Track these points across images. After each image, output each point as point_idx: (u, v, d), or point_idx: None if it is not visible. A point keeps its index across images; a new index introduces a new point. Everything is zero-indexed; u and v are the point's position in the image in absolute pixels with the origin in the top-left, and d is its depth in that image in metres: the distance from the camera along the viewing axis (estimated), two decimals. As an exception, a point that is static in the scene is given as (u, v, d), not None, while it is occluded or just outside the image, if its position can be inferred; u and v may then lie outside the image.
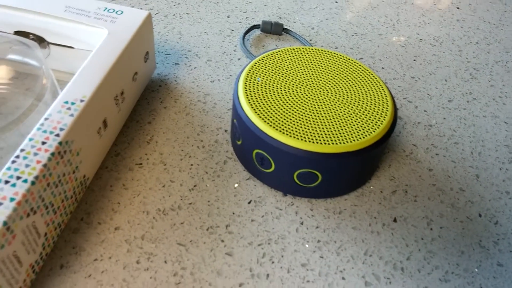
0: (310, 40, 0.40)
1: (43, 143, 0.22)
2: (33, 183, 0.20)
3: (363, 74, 0.30)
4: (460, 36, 0.43)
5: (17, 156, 0.21)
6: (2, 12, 0.30)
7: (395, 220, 0.27)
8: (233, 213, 0.26)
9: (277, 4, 0.43)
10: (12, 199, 0.19)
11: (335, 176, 0.26)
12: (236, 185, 0.28)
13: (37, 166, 0.21)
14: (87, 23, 0.29)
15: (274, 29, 0.39)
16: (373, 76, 0.29)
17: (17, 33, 0.31)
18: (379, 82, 0.29)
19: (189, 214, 0.26)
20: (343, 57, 0.31)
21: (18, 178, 0.20)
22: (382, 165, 0.30)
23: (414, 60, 0.39)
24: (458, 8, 0.47)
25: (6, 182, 0.20)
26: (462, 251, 0.26)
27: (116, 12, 0.30)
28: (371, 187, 0.29)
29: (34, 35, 0.31)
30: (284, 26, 0.40)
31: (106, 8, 0.30)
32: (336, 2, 0.45)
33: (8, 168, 0.20)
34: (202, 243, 0.25)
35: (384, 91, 0.28)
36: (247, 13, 0.42)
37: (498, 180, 0.30)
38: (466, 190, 0.29)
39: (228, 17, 0.41)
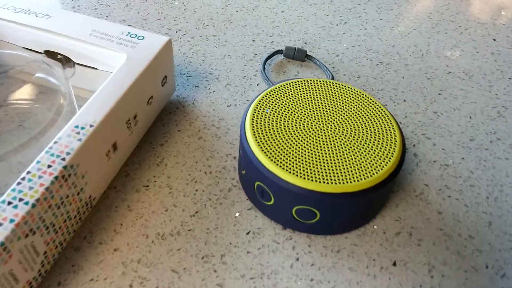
0: (333, 68, 0.39)
1: (49, 166, 0.23)
2: (33, 205, 0.21)
3: (374, 111, 0.29)
4: (493, 70, 0.41)
5: (23, 178, 0.22)
6: (34, 32, 0.32)
7: (394, 264, 0.27)
8: (230, 243, 0.27)
9: (304, 29, 0.43)
10: (11, 221, 0.21)
11: (333, 215, 0.26)
12: (237, 214, 0.28)
13: (40, 189, 0.22)
14: (108, 47, 0.30)
15: (297, 55, 0.39)
16: (385, 114, 0.29)
17: (46, 52, 0.33)
18: (390, 121, 0.29)
19: (186, 241, 0.27)
20: (354, 90, 0.30)
21: (21, 200, 0.22)
22: (389, 204, 0.30)
23: (439, 94, 0.38)
24: (494, 40, 0.45)
25: (9, 203, 0.21)
26: (462, 303, 0.25)
27: (138, 37, 0.31)
28: (375, 226, 0.28)
29: (61, 55, 0.32)
30: (308, 53, 0.40)
31: (129, 33, 0.31)
32: (365, 29, 0.44)
33: (13, 190, 0.22)
34: (195, 271, 0.25)
35: (394, 130, 0.28)
36: (273, 37, 0.42)
37: (512, 230, 0.29)
38: (475, 237, 0.28)
39: (253, 40, 0.42)
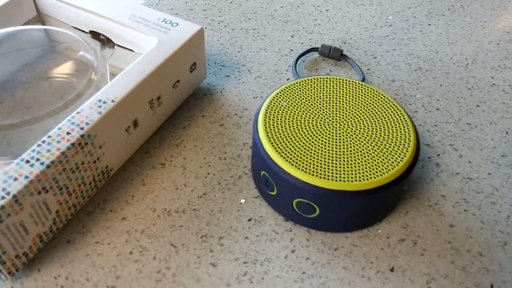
0: (368, 69, 0.39)
1: (68, 133, 0.25)
2: (48, 166, 0.24)
3: (393, 114, 0.29)
4: (543, 86, 0.39)
5: (43, 141, 0.25)
6: (81, 14, 0.34)
7: (392, 270, 0.26)
8: (231, 227, 0.28)
9: (346, 28, 0.43)
10: (26, 177, 0.23)
11: (332, 212, 0.26)
12: (243, 200, 0.29)
13: (56, 152, 0.24)
14: (143, 31, 0.32)
15: (332, 54, 0.39)
16: (403, 119, 0.28)
17: (91, 32, 0.35)
18: (407, 126, 0.28)
19: (190, 219, 0.28)
20: (372, 90, 0.30)
21: (37, 160, 0.24)
22: (398, 210, 0.29)
23: (477, 106, 0.36)
24: (552, 54, 0.42)
25: (27, 161, 0.24)
26: (455, 319, 0.24)
27: (172, 24, 0.33)
28: (379, 230, 0.28)
29: (104, 35, 0.35)
30: (344, 53, 0.40)
31: (165, 20, 0.33)
32: (410, 33, 0.43)
33: (33, 150, 0.24)
34: (192, 248, 0.27)
35: (410, 136, 0.27)
36: (312, 35, 0.42)
37: (528, 253, 0.27)
38: (485, 255, 0.27)
39: (292, 36, 0.42)
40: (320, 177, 0.25)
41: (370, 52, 0.41)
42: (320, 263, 0.26)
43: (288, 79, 0.37)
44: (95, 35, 0.35)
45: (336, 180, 0.25)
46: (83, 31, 0.36)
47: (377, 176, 0.25)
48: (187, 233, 0.27)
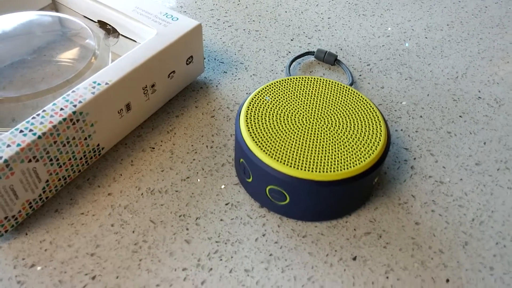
0: (360, 75, 0.41)
1: (61, 109, 0.27)
2: (39, 137, 0.26)
3: (367, 111, 0.30)
4: (529, 102, 0.40)
5: (38, 114, 0.27)
6: (91, 4, 0.37)
7: (354, 259, 0.28)
8: (208, 209, 0.30)
9: (344, 36, 0.45)
10: (18, 145, 0.25)
11: (302, 200, 0.28)
12: (223, 186, 0.31)
13: (48, 125, 0.26)
14: (144, 23, 0.34)
15: (327, 58, 0.41)
16: (376, 116, 0.30)
17: (99, 21, 0.38)
18: (379, 123, 0.30)
19: (171, 199, 0.30)
20: (350, 90, 0.32)
21: (30, 130, 0.26)
22: (368, 205, 0.31)
23: (460, 116, 0.38)
24: (543, 73, 0.43)
25: (21, 131, 0.26)
26: (408, 309, 0.26)
27: (173, 18, 0.35)
28: (347, 222, 0.30)
29: (110, 25, 0.37)
30: (339, 58, 0.42)
31: (166, 14, 0.35)
32: (406, 45, 0.45)
33: (27, 121, 0.26)
34: (170, 226, 0.29)
35: (381, 133, 0.29)
36: (311, 40, 0.44)
37: (488, 254, 0.28)
38: (445, 252, 0.28)
39: (291, 40, 0.44)
40: (291, 166, 0.27)
41: (364, 59, 0.42)
42: (288, 247, 0.28)
43: (280, 79, 0.39)
44: (102, 24, 0.38)
45: (306, 170, 0.27)
46: (92, 20, 0.38)
47: (346, 168, 0.27)
48: (166, 211, 0.29)
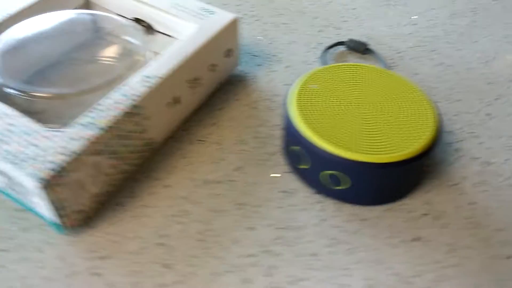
0: (393, 63, 0.41)
1: (119, 103, 0.27)
2: (104, 130, 0.26)
3: (416, 96, 0.31)
4: (561, 82, 0.40)
5: (95, 108, 0.27)
6: (126, 1, 0.37)
7: (415, 240, 0.28)
8: (264, 197, 0.30)
9: (371, 26, 0.45)
10: (85, 138, 0.25)
11: (362, 183, 0.28)
12: (276, 175, 0.31)
13: (110, 119, 0.27)
14: (184, 18, 0.35)
15: (358, 47, 0.41)
16: (425, 99, 0.30)
17: (134, 19, 0.38)
18: (428, 105, 0.30)
19: (227, 189, 0.30)
20: (400, 78, 0.32)
21: (93, 124, 0.26)
22: (421, 188, 0.31)
23: (497, 99, 0.38)
24: None
25: (84, 125, 0.26)
26: (476, 284, 0.26)
27: (209, 12, 0.35)
28: (402, 205, 0.30)
29: (145, 22, 0.37)
30: (368, 47, 0.42)
31: (203, 8, 0.36)
32: (434, 32, 0.45)
33: (87, 116, 0.27)
34: (231, 215, 0.29)
35: (431, 115, 0.29)
36: (340, 30, 0.45)
37: (544, 229, 0.29)
38: (504, 230, 0.29)
39: (320, 31, 0.44)
40: (351, 150, 0.27)
41: (395, 47, 0.43)
42: (349, 231, 0.28)
43: (316, 69, 0.40)
44: (137, 21, 0.38)
45: (366, 153, 0.27)
46: (127, 18, 0.38)
47: (403, 150, 0.27)
48: (224, 201, 0.29)
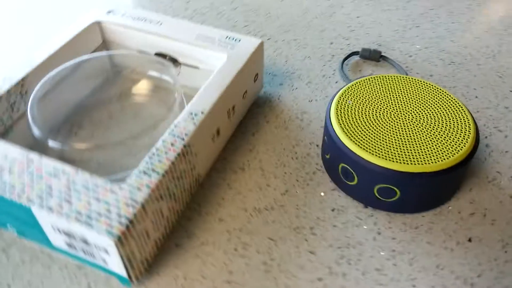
0: (406, 67, 0.42)
1: (172, 144, 0.28)
2: (163, 175, 0.26)
3: (448, 101, 0.32)
4: None
5: (153, 154, 0.27)
6: (146, 37, 0.37)
7: (469, 240, 0.29)
8: (318, 218, 0.30)
9: (378, 32, 0.47)
10: (148, 186, 0.26)
11: (413, 193, 0.29)
12: (322, 193, 0.32)
13: (167, 162, 0.27)
14: (212, 49, 0.35)
15: (372, 56, 0.42)
16: (458, 104, 0.32)
17: (157, 54, 0.38)
18: (463, 110, 0.31)
19: (279, 214, 0.31)
20: (431, 85, 0.33)
21: (153, 170, 0.26)
22: (463, 188, 0.32)
23: (511, 91, 0.40)
24: None
25: (144, 172, 0.26)
26: (535, 277, 0.27)
27: (235, 40, 0.36)
28: (450, 207, 0.31)
29: (170, 56, 0.38)
30: (382, 54, 0.43)
31: (228, 37, 0.36)
32: (438, 32, 0.47)
33: (146, 162, 0.27)
34: (289, 240, 0.29)
35: (468, 118, 0.31)
36: (349, 40, 0.46)
37: None
38: (548, 220, 0.30)
39: (331, 43, 0.45)
40: (400, 162, 0.28)
41: (405, 51, 0.44)
42: (406, 241, 0.29)
43: (336, 82, 0.41)
44: (161, 56, 0.38)
45: (415, 164, 0.28)
46: (149, 54, 0.38)
47: (451, 156, 0.28)
48: (280, 227, 0.30)
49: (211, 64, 0.36)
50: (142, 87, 0.37)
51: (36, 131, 0.30)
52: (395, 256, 0.28)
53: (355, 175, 0.30)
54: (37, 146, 0.30)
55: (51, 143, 0.29)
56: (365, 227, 0.30)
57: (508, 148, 0.35)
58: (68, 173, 0.26)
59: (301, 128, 0.37)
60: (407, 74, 0.40)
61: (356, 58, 0.43)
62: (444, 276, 0.27)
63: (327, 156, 0.32)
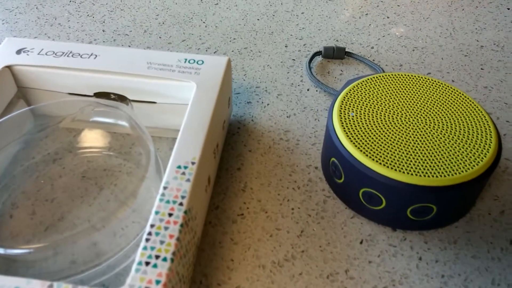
0: (373, 60, 0.39)
1: (170, 214, 0.21)
2: (172, 260, 0.20)
3: (459, 99, 0.29)
4: (520, 36, 0.42)
5: (149, 233, 0.21)
6: (80, 75, 0.30)
7: (511, 242, 0.27)
8: (348, 256, 0.26)
9: (330, 27, 0.43)
10: (158, 282, 0.19)
11: (449, 207, 0.26)
12: (342, 225, 0.27)
13: (171, 241, 0.20)
14: (172, 78, 0.29)
15: (336, 54, 0.38)
16: (469, 100, 0.29)
17: (97, 94, 0.31)
18: (476, 107, 0.28)
19: (304, 263, 0.26)
20: (432, 80, 0.30)
21: (157, 257, 0.20)
22: (482, 186, 0.29)
23: (481, 69, 0.38)
24: (508, 9, 0.46)
25: (147, 263, 0.20)
26: None
27: (197, 62, 0.30)
28: (478, 210, 0.28)
29: (115, 94, 0.30)
30: (346, 50, 0.40)
31: (186, 59, 0.30)
32: (388, 17, 0.44)
33: (145, 248, 0.20)
34: (326, 292, 0.24)
35: (484, 116, 0.28)
36: (304, 40, 0.41)
37: None
38: None
39: (286, 46, 0.41)
40: (434, 176, 0.24)
41: (365, 43, 0.41)
42: (451, 260, 0.26)
43: (308, 89, 0.36)
44: (103, 96, 0.31)
45: (449, 175, 0.24)
46: (85, 95, 0.31)
47: (481, 160, 0.25)
48: (311, 278, 0.25)
49: (171, 96, 0.29)
50: (92, 140, 0.29)
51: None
52: (447, 282, 0.25)
53: (383, 199, 0.26)
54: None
55: (9, 252, 0.21)
56: (403, 254, 0.26)
57: (505, 130, 0.33)
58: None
59: (290, 150, 0.32)
60: (383, 70, 0.37)
61: (319, 58, 0.39)
62: (504, 292, 0.24)
63: (339, 181, 0.28)
